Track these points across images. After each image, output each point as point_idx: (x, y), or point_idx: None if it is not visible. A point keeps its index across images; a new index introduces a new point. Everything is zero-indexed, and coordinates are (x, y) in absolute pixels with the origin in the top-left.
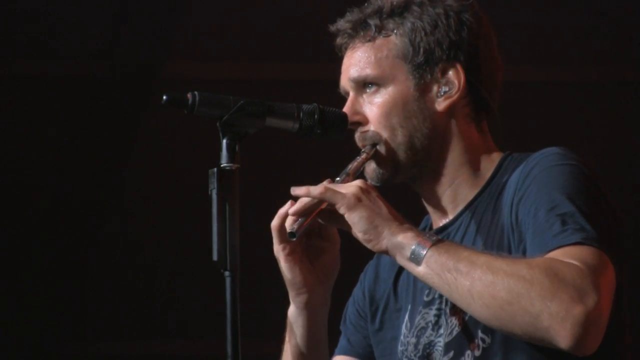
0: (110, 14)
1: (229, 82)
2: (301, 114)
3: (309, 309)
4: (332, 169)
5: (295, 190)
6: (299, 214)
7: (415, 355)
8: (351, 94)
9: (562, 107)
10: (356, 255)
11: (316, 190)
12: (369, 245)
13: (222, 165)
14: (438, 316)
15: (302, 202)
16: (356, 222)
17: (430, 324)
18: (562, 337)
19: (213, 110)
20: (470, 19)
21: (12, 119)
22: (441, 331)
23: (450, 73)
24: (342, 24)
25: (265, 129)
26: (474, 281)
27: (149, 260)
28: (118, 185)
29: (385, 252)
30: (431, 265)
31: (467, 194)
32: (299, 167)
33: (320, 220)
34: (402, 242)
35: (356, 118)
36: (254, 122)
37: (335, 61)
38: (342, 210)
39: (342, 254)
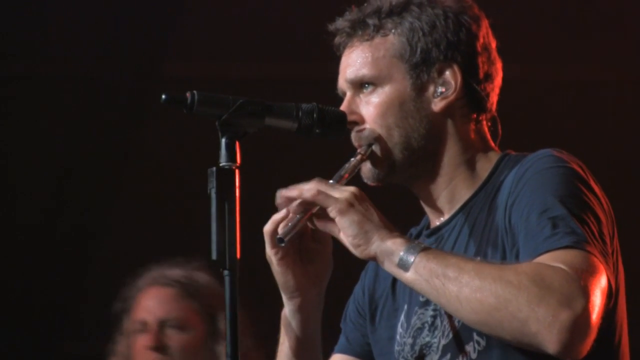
0: (109, 14)
1: (229, 81)
2: (300, 114)
3: (303, 311)
4: (331, 169)
5: (288, 192)
6: (289, 219)
7: (411, 356)
8: (348, 93)
9: (565, 107)
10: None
11: (309, 192)
12: (357, 251)
13: (221, 165)
14: (434, 317)
15: (293, 206)
16: (347, 226)
17: (426, 325)
18: (550, 342)
19: (212, 109)
20: (468, 21)
21: (10, 119)
22: (437, 333)
23: (447, 73)
24: (340, 23)
25: (265, 128)
26: (462, 286)
27: (148, 259)
28: (117, 184)
29: (374, 258)
30: (419, 271)
31: (464, 194)
32: (298, 167)
33: (309, 225)
34: (391, 248)
35: (353, 118)
36: (253, 121)
37: (335, 61)
38: (333, 214)
39: (342, 253)
